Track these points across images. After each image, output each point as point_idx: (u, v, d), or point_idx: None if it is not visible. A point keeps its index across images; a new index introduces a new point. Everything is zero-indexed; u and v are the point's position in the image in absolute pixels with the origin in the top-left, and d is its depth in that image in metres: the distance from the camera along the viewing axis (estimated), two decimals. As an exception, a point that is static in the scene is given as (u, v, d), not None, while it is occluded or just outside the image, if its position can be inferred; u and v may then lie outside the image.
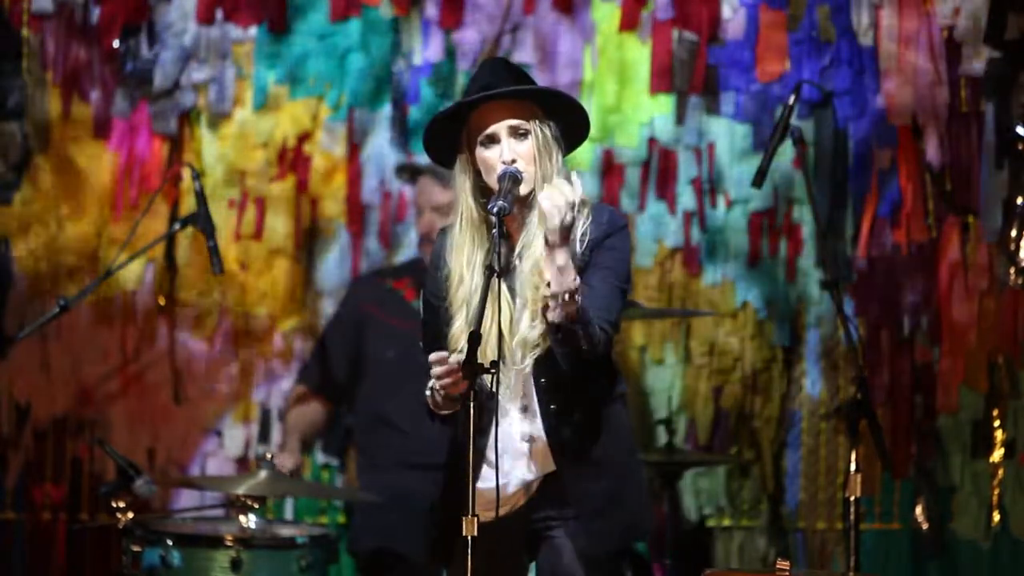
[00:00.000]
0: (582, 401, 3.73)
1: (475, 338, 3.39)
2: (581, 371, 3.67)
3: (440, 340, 3.68)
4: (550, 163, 3.67)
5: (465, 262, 3.69)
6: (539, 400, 3.71)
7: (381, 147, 5.84)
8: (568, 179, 3.59)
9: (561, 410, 3.70)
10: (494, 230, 3.50)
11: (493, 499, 3.57)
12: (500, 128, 3.65)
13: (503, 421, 3.69)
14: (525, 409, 3.73)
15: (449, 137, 3.74)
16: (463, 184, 3.72)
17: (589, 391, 3.73)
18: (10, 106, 5.72)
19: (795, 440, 5.88)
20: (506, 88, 3.66)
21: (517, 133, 3.66)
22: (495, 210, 3.50)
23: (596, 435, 3.74)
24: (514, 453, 3.72)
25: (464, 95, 3.75)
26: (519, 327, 3.65)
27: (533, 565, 3.87)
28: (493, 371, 3.44)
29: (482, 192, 3.69)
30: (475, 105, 3.68)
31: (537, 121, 3.67)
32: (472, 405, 3.39)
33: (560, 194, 3.51)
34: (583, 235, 3.67)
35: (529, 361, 3.68)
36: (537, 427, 3.72)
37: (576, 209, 3.52)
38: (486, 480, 3.62)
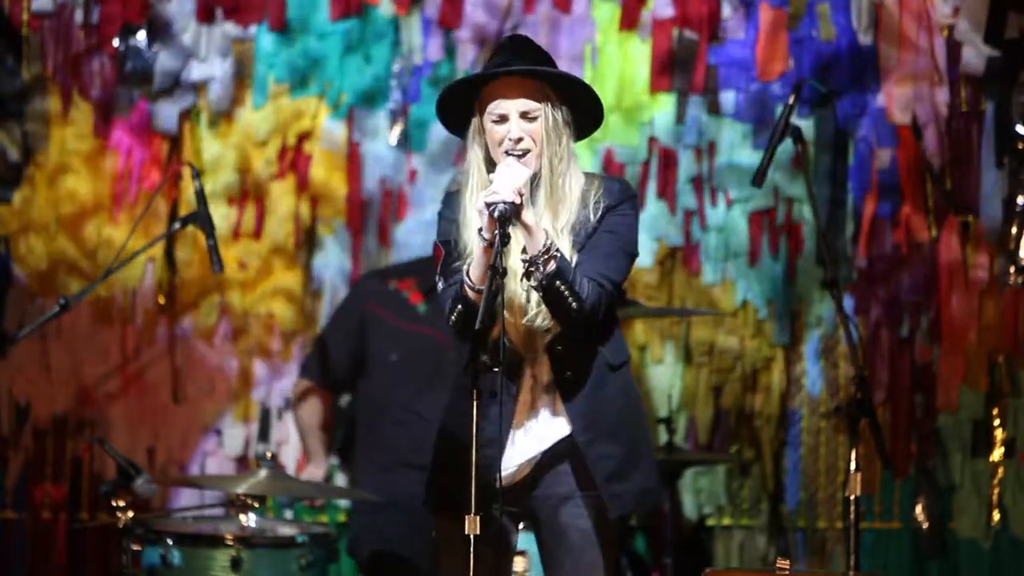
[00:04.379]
0: (595, 368, 3.76)
1: (480, 335, 3.40)
2: (589, 337, 3.73)
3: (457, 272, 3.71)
4: (559, 146, 3.70)
5: (472, 223, 3.69)
6: (554, 369, 3.73)
7: (381, 147, 5.84)
8: (577, 167, 3.69)
9: (576, 377, 3.73)
10: (497, 231, 3.51)
11: (509, 467, 3.67)
12: (511, 110, 3.68)
13: (521, 394, 3.73)
14: (542, 379, 3.75)
15: (462, 105, 3.76)
16: (475, 153, 3.75)
17: (601, 358, 3.76)
18: (10, 106, 5.72)
19: (795, 440, 5.88)
20: (520, 67, 3.69)
21: (528, 116, 3.68)
22: (496, 213, 3.52)
23: (609, 400, 3.77)
24: (528, 425, 3.75)
25: (484, 67, 3.79)
26: (529, 310, 3.69)
27: (526, 537, 3.89)
28: (496, 369, 3.47)
29: (490, 163, 3.71)
30: (490, 79, 3.70)
31: (549, 103, 3.70)
32: (476, 404, 3.40)
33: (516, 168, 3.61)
34: (596, 203, 3.73)
35: (543, 342, 3.73)
36: (555, 397, 3.75)
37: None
38: (505, 452, 3.68)
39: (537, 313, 3.69)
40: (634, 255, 3.81)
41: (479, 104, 3.73)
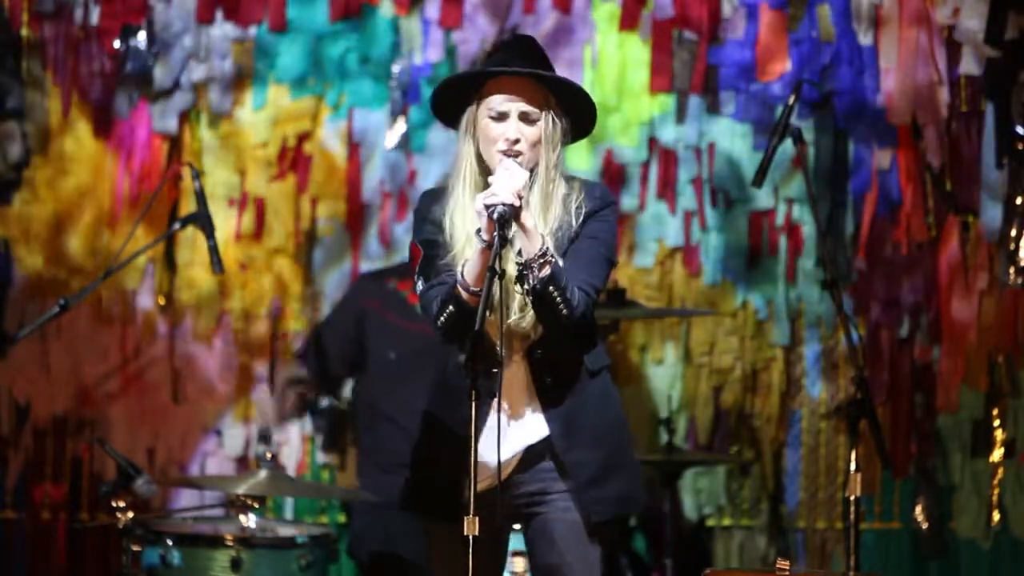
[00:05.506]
0: (574, 373, 3.75)
1: (477, 337, 3.40)
2: (571, 342, 3.71)
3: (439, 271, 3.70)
4: (553, 155, 3.70)
5: (460, 222, 3.69)
6: (534, 373, 3.73)
7: (381, 148, 5.84)
8: (562, 173, 3.69)
9: (555, 383, 3.73)
10: (494, 232, 3.51)
11: (490, 469, 3.62)
12: (512, 109, 3.67)
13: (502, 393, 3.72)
14: (519, 383, 3.74)
15: (459, 96, 3.75)
16: (467, 148, 3.73)
17: (580, 363, 3.76)
18: (10, 106, 5.71)
19: (795, 440, 5.88)
20: (529, 69, 3.69)
21: (528, 119, 3.68)
22: (495, 215, 3.51)
23: (588, 405, 3.76)
24: (505, 427, 3.73)
25: (486, 63, 3.79)
26: (513, 312, 3.68)
27: (521, 539, 3.87)
28: (495, 370, 3.47)
29: (481, 159, 3.71)
30: (493, 76, 3.69)
31: (550, 110, 3.70)
32: (474, 404, 3.40)
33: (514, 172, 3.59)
34: (578, 208, 3.72)
35: (521, 345, 3.72)
36: (533, 400, 3.74)
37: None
38: (484, 450, 3.61)
39: (522, 317, 3.67)
40: (614, 262, 3.79)
41: (478, 96, 3.71)
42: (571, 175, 3.80)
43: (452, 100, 3.76)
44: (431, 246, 3.72)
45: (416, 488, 3.84)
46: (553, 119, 3.70)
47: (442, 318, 3.63)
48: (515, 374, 3.74)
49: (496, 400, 3.61)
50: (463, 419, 3.45)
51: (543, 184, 3.70)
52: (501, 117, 3.69)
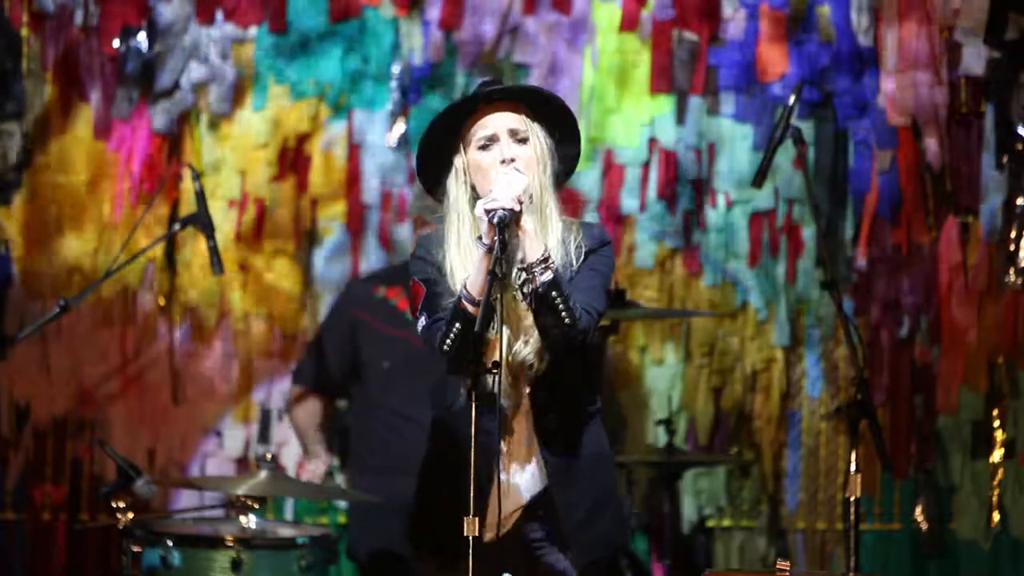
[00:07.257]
0: (572, 415, 3.78)
1: (479, 340, 3.40)
2: (576, 371, 3.72)
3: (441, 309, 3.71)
4: (544, 174, 3.71)
5: (460, 265, 3.70)
6: (535, 416, 3.76)
7: (381, 147, 5.84)
8: (557, 194, 3.71)
9: (554, 425, 3.77)
10: (495, 237, 3.51)
11: (495, 520, 3.67)
12: (500, 129, 3.67)
13: (509, 439, 3.73)
14: (524, 428, 3.76)
15: (441, 152, 3.75)
16: (457, 194, 3.74)
17: (579, 405, 3.78)
18: (10, 106, 5.71)
19: (795, 440, 5.88)
20: (509, 85, 3.70)
21: (517, 137, 3.68)
22: (495, 220, 3.51)
23: (583, 448, 3.81)
24: (515, 475, 3.76)
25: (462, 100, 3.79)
26: (517, 338, 3.69)
27: None
28: (495, 371, 3.47)
29: (476, 200, 3.70)
30: (473, 110, 3.69)
31: (535, 124, 3.71)
32: (475, 406, 3.41)
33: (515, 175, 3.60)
34: (577, 247, 3.74)
35: (525, 389, 3.74)
36: (534, 446, 3.77)
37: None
38: (492, 500, 3.68)
39: (526, 342, 3.68)
40: (611, 294, 3.85)
41: (462, 139, 3.72)
42: (567, 218, 3.80)
43: (435, 158, 3.75)
44: (433, 284, 3.73)
45: (421, 528, 3.86)
46: (540, 137, 3.71)
47: (448, 339, 3.62)
48: (520, 421, 3.76)
49: (494, 417, 3.63)
50: (466, 460, 3.49)
51: (539, 204, 3.70)
52: (490, 141, 3.68)
